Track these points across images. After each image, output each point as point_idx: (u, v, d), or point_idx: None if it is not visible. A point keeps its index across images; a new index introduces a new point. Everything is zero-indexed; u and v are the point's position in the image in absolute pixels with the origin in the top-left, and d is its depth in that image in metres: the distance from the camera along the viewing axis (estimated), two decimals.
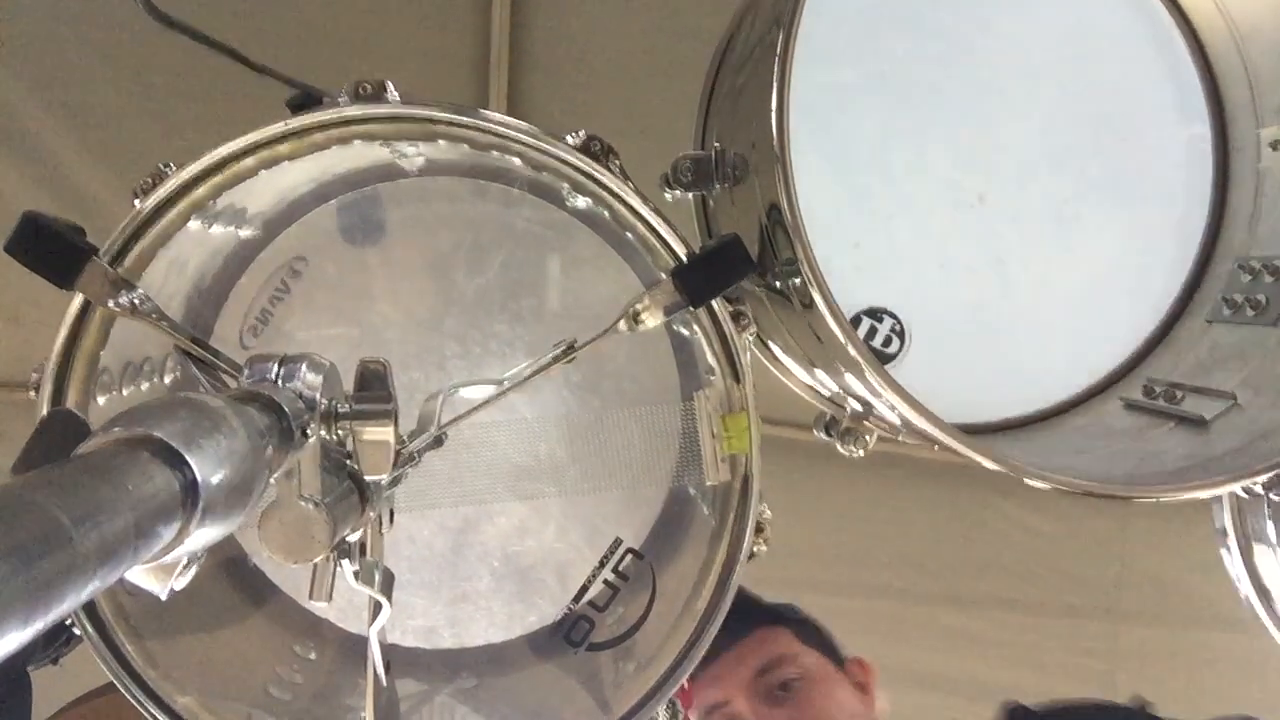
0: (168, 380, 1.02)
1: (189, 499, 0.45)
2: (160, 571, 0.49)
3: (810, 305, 0.89)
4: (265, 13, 1.76)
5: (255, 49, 1.07)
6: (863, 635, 2.13)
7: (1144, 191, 1.16)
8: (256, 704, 0.98)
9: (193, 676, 0.92)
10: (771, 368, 1.12)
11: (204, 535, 0.47)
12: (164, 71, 1.64)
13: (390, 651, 0.91)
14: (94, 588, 0.37)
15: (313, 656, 1.09)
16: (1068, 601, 2.17)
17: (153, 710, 0.89)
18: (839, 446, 1.05)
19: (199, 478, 0.45)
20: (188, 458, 0.45)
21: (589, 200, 0.93)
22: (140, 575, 0.47)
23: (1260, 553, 1.15)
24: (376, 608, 0.81)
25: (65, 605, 0.35)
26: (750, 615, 1.43)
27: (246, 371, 0.63)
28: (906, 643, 2.22)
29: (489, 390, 0.89)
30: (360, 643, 1.11)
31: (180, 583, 0.51)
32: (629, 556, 1.03)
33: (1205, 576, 2.02)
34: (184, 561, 0.49)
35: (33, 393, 0.86)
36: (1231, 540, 1.12)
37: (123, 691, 0.89)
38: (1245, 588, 1.11)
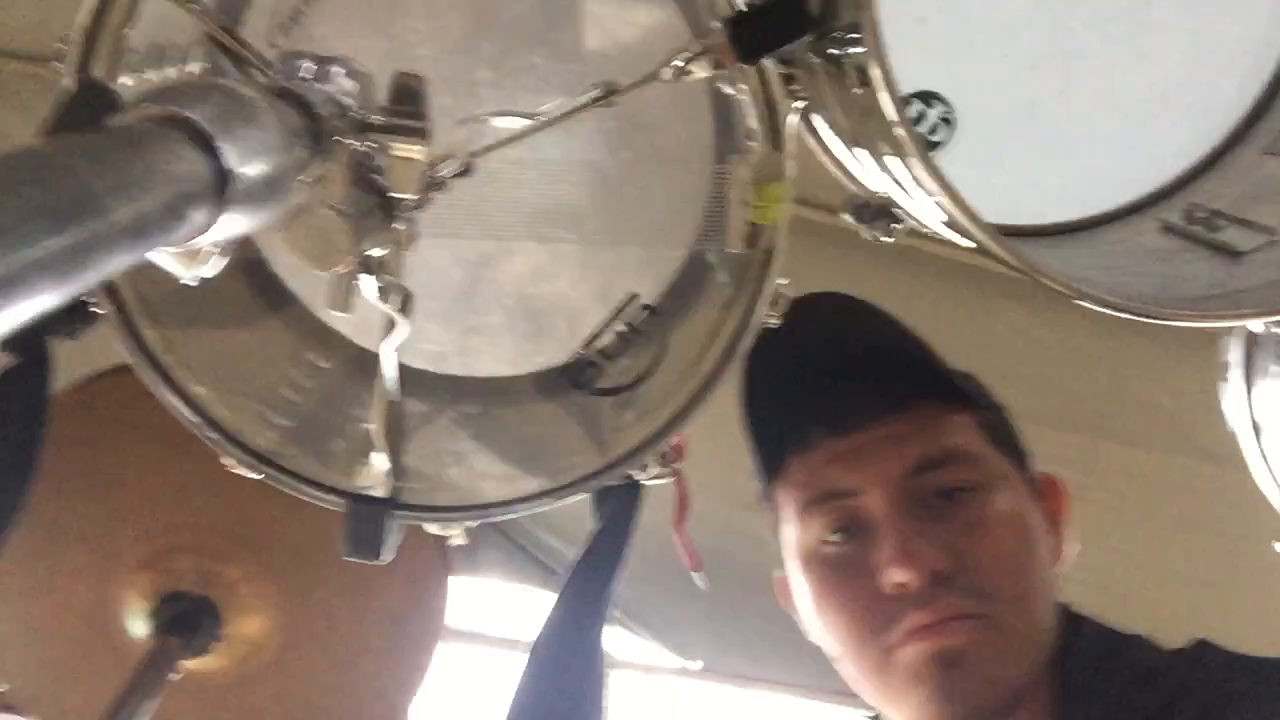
0: (194, 70, 0.99)
1: (219, 185, 0.44)
2: (187, 257, 0.49)
3: (865, 79, 0.85)
4: None
5: None
6: None
7: (1231, 5, 1.09)
8: (268, 403, 1.02)
9: (208, 368, 0.95)
10: (810, 140, 1.08)
11: (232, 224, 0.46)
12: None
13: (400, 371, 0.93)
14: (123, 260, 0.37)
15: (324, 365, 1.12)
16: (1056, 412, 2.22)
17: (168, 395, 0.92)
18: (864, 232, 1.04)
19: (230, 165, 0.45)
20: (220, 144, 0.44)
21: None
22: (168, 259, 0.47)
23: (1261, 389, 1.17)
24: (390, 324, 0.82)
25: (94, 273, 0.35)
26: (920, 381, 1.07)
27: (280, 65, 0.61)
28: None
29: (522, 123, 0.86)
30: (370, 359, 1.14)
31: (208, 270, 0.51)
32: (643, 311, 1.04)
33: (1194, 407, 2.06)
34: (211, 250, 0.49)
35: (56, 63, 0.83)
36: (1235, 373, 1.13)
37: (139, 372, 0.92)
38: (1240, 420, 1.13)
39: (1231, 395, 1.14)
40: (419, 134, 0.65)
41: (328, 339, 1.15)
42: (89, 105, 0.58)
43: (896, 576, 0.96)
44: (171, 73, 0.96)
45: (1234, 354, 1.14)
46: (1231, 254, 0.97)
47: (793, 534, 1.08)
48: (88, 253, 0.35)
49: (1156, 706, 0.95)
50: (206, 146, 0.44)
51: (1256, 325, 0.87)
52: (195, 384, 0.94)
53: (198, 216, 0.43)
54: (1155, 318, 0.86)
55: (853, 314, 1.16)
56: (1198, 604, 2.38)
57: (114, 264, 0.37)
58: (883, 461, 1.02)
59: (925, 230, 1.05)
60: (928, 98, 1.07)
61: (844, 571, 1.02)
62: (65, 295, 0.34)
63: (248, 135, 0.47)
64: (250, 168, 0.46)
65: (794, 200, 0.99)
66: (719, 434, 0.98)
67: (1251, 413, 1.18)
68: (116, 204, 0.36)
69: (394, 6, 1.05)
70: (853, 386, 1.06)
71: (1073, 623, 1.04)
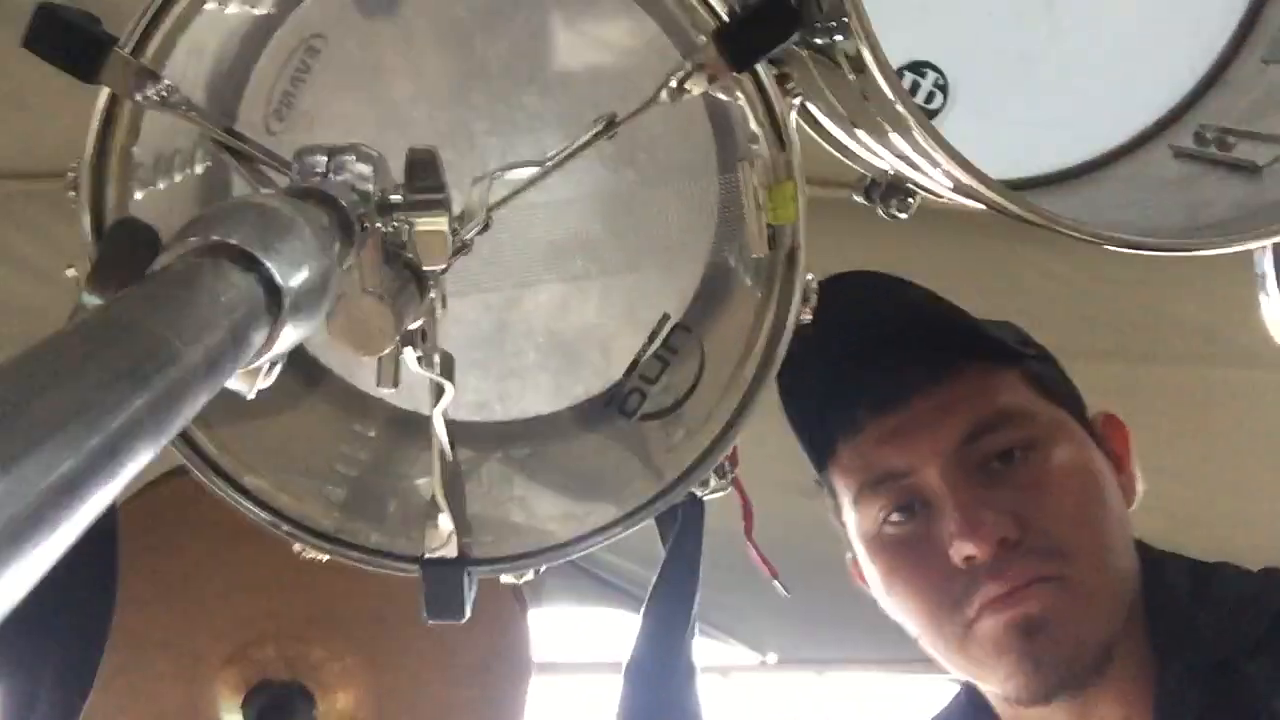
0: (199, 170, 1.01)
1: (273, 303, 0.45)
2: (250, 375, 0.50)
3: (858, 63, 0.85)
4: None
5: None
6: None
7: None
8: (324, 481, 1.03)
9: (263, 460, 0.96)
10: (812, 132, 1.08)
11: (290, 336, 0.47)
12: None
13: (447, 426, 0.94)
14: (203, 399, 0.38)
15: (371, 433, 1.13)
16: (1092, 345, 2.20)
17: (232, 494, 0.93)
18: (880, 210, 1.04)
19: (280, 281, 0.46)
20: (266, 261, 0.45)
21: None
22: (235, 382, 0.48)
23: None
24: (438, 390, 0.83)
25: (181, 420, 0.36)
26: (957, 344, 1.04)
27: (295, 166, 0.62)
28: None
29: (531, 171, 0.87)
30: (411, 417, 1.15)
31: (266, 383, 0.52)
32: (677, 330, 1.04)
33: (1229, 315, 2.04)
34: (270, 363, 0.49)
35: (71, 193, 0.85)
36: (1271, 284, 1.12)
37: (201, 478, 0.93)
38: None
39: (1272, 308, 1.13)
40: (440, 205, 0.65)
41: (368, 406, 1.16)
42: (130, 244, 0.59)
43: (965, 550, 0.95)
44: (179, 178, 0.98)
45: (1268, 264, 1.14)
46: (1250, 170, 0.97)
47: (854, 519, 1.08)
48: (173, 402, 0.35)
49: (1258, 633, 0.94)
50: (253, 267, 0.45)
51: None
52: (254, 478, 0.95)
53: (258, 338, 0.44)
54: (1186, 250, 0.86)
55: (877, 289, 1.15)
56: (1261, 515, 2.36)
57: (197, 405, 0.38)
58: (932, 435, 1.00)
59: (940, 199, 1.05)
60: (919, 68, 1.07)
61: (911, 551, 1.02)
62: (159, 447, 0.35)
63: (288, 246, 0.47)
64: (296, 279, 0.47)
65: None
66: (759, 421, 0.98)
67: None
68: (188, 348, 0.37)
69: (379, 72, 1.06)
70: (889, 362, 1.05)
71: (1154, 563, 1.03)
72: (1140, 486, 1.08)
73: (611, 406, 1.07)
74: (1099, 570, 0.97)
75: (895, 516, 1.03)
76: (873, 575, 1.08)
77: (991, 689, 1.04)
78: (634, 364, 1.05)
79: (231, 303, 0.41)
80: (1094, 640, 0.96)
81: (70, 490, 0.29)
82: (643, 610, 1.04)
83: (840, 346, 1.02)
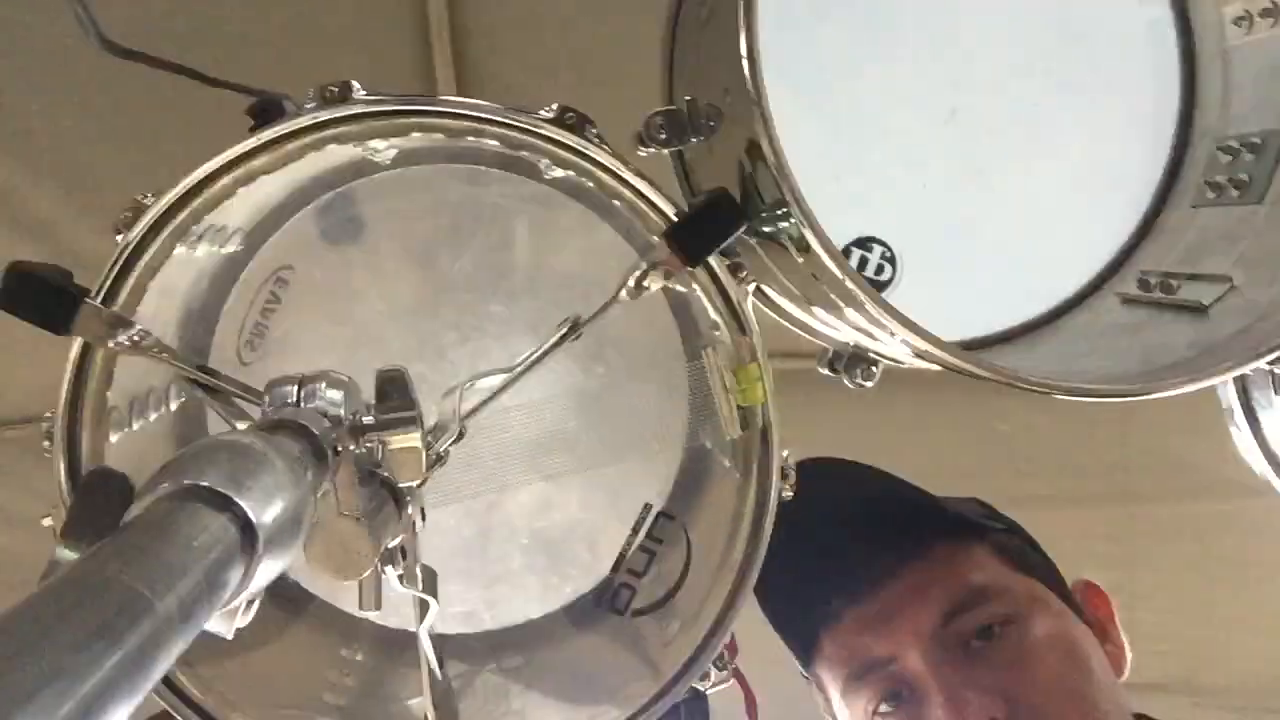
0: (174, 406, 1.02)
1: (248, 541, 0.45)
2: (226, 615, 0.49)
3: (806, 248, 0.89)
4: (192, 21, 1.72)
5: (194, 59, 1.05)
6: None
7: (1111, 83, 1.15)
8: (317, 713, 0.99)
9: (249, 696, 0.93)
10: (769, 312, 1.12)
11: (266, 573, 0.47)
12: (112, 95, 1.61)
13: (435, 642, 0.92)
14: (180, 648, 0.38)
15: (359, 658, 1.10)
16: (1077, 492, 2.21)
17: None
18: (845, 381, 1.06)
19: (253, 518, 0.46)
20: (239, 500, 0.45)
21: (569, 171, 0.93)
22: (212, 622, 0.47)
23: (1267, 421, 1.18)
24: (423, 607, 0.82)
25: (157, 673, 0.36)
26: (926, 524, 1.06)
27: (266, 399, 0.63)
28: None
29: (501, 378, 0.88)
30: (399, 634, 1.12)
31: (245, 620, 0.51)
32: (660, 519, 1.04)
33: (1210, 447, 2.05)
34: (248, 600, 0.49)
35: (46, 442, 0.85)
36: (1239, 417, 1.14)
37: None
38: (1257, 460, 1.14)
39: (1243, 439, 1.15)
40: (411, 422, 0.66)
41: (354, 628, 1.13)
42: (103, 493, 0.59)
43: None
44: (153, 417, 0.99)
45: (1231, 398, 1.16)
46: (1197, 310, 1.00)
47: (844, 713, 1.06)
48: (148, 657, 0.35)
49: None
50: (226, 507, 0.45)
51: (1245, 371, 0.88)
52: (242, 716, 0.91)
53: (234, 578, 0.43)
54: (1148, 394, 0.88)
55: (840, 476, 1.16)
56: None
57: (173, 655, 0.37)
58: (911, 618, 1.00)
59: (902, 366, 1.07)
60: (865, 243, 1.12)
61: None
62: (136, 703, 0.34)
63: (260, 483, 0.48)
64: (270, 513, 0.47)
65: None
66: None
67: (1270, 447, 1.18)
68: (162, 598, 0.37)
69: (348, 296, 1.09)
70: (861, 548, 1.06)
71: None
72: (1129, 654, 1.06)
73: (602, 605, 1.05)
74: None
75: (884, 707, 1.01)
76: None
77: None
78: (621, 558, 1.04)
79: (205, 545, 0.41)
80: None
81: None
82: None
83: (810, 536, 1.01)
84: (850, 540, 1.05)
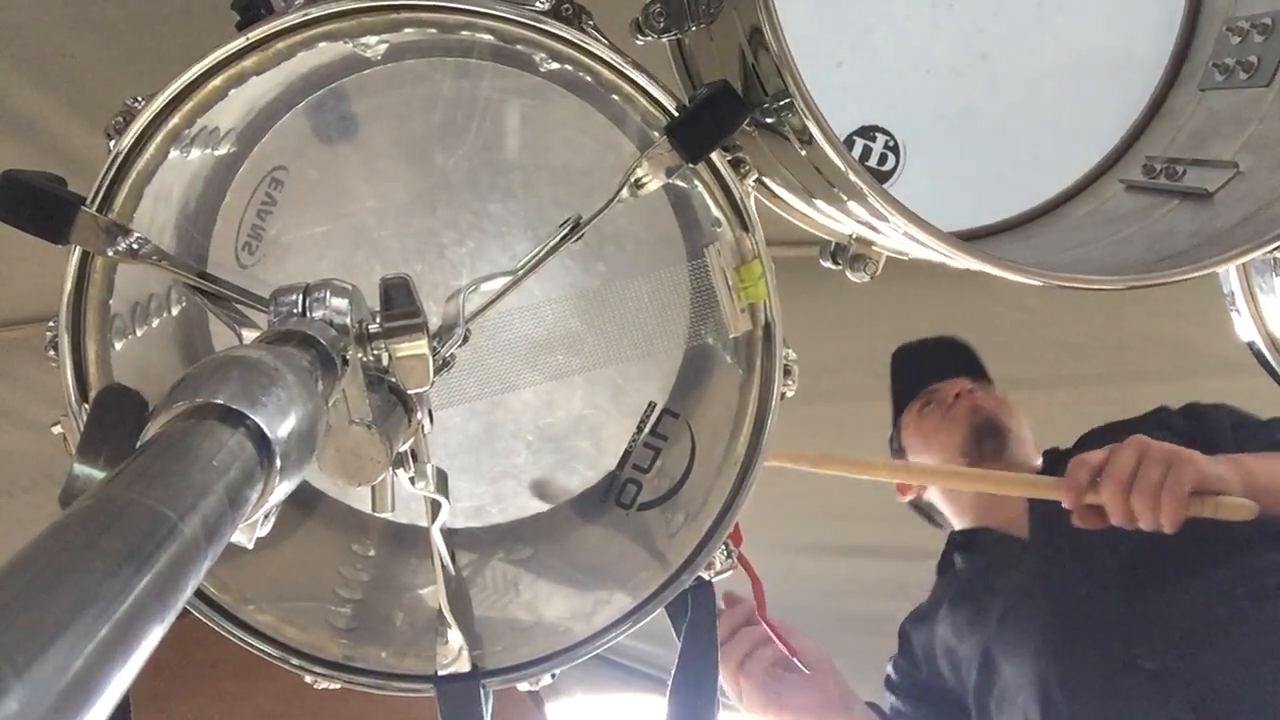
0: (175, 312, 1.02)
1: (265, 456, 0.45)
2: (247, 527, 0.50)
3: (808, 140, 0.87)
4: None
5: None
6: (878, 434, 2.19)
7: None
8: (329, 608, 1.02)
9: (266, 594, 0.95)
10: (771, 205, 1.11)
11: (285, 485, 0.48)
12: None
13: (445, 536, 0.94)
14: (207, 565, 0.38)
15: (371, 553, 1.12)
16: (1073, 371, 2.22)
17: (236, 632, 0.92)
18: (848, 273, 1.05)
19: (269, 433, 0.46)
20: (253, 416, 0.46)
21: (565, 65, 0.91)
22: (236, 537, 0.48)
23: (1267, 305, 1.18)
24: (434, 507, 0.83)
25: (188, 591, 0.36)
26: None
27: (272, 308, 0.63)
28: None
29: (503, 280, 0.88)
30: (409, 529, 1.15)
31: (264, 531, 0.52)
32: (664, 416, 1.05)
33: (1206, 329, 2.07)
34: (269, 512, 0.50)
35: (50, 352, 0.85)
36: (1241, 301, 1.14)
37: (203, 618, 0.92)
38: (1259, 343, 1.14)
39: (1243, 322, 1.15)
40: (418, 329, 0.66)
41: (365, 525, 1.16)
42: (116, 410, 0.59)
43: None
44: (155, 323, 0.99)
45: (1234, 282, 1.16)
46: (1202, 196, 0.99)
47: None
48: (176, 574, 0.36)
49: None
50: (241, 423, 0.45)
51: (1249, 259, 0.88)
52: (258, 614, 0.94)
53: (255, 494, 0.44)
54: (1150, 283, 0.87)
55: None
56: None
57: (201, 574, 0.38)
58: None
59: (905, 256, 1.07)
60: (869, 132, 1.10)
61: None
62: (169, 624, 0.35)
63: (273, 397, 0.48)
64: (285, 427, 0.48)
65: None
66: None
67: (1268, 330, 1.19)
68: (186, 519, 0.37)
69: (344, 195, 1.08)
70: None
71: None
72: None
73: (609, 499, 1.07)
74: None
75: None
76: None
77: None
78: (626, 455, 1.05)
79: (224, 464, 0.42)
80: None
81: (86, 686, 0.29)
82: (666, 710, 1.03)
83: None
84: None
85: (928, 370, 1.96)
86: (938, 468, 1.79)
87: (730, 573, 0.98)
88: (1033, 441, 1.83)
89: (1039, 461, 1.81)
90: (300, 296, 0.63)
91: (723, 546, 0.96)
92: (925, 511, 1.92)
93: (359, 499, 1.13)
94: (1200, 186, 0.99)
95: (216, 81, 0.83)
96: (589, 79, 0.90)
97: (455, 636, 0.92)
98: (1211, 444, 1.51)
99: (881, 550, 2.37)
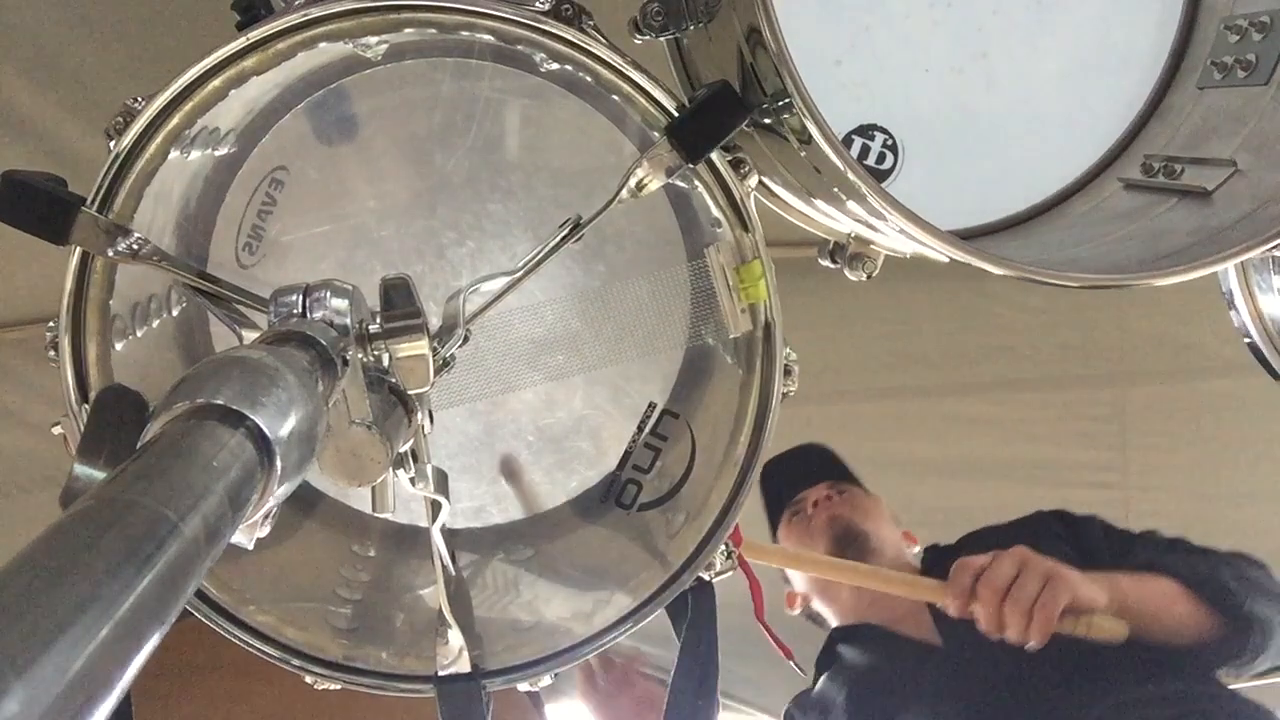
0: (175, 312, 1.02)
1: (265, 457, 0.45)
2: (249, 529, 0.50)
3: (807, 139, 0.87)
4: None
5: None
6: (878, 434, 2.19)
7: None
8: (330, 608, 1.02)
9: (266, 594, 0.96)
10: (770, 204, 1.11)
11: (285, 487, 0.48)
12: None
13: (446, 537, 0.94)
14: (207, 566, 0.39)
15: (371, 553, 1.12)
16: (1073, 372, 2.22)
17: (237, 633, 0.92)
18: (847, 272, 1.05)
19: (269, 434, 0.46)
20: (253, 417, 0.46)
21: (565, 65, 0.91)
22: (236, 538, 0.48)
23: (1266, 304, 1.18)
24: (435, 507, 0.83)
25: (188, 592, 0.36)
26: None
27: (272, 309, 0.63)
28: (919, 436, 2.29)
29: (503, 281, 0.88)
30: (409, 529, 1.15)
31: (264, 531, 0.52)
32: (664, 416, 1.05)
33: (1206, 329, 2.06)
34: (269, 512, 0.50)
35: (51, 352, 0.85)
36: (1240, 301, 1.14)
37: (204, 619, 0.92)
38: (1258, 341, 1.14)
39: (1242, 320, 1.15)
40: (418, 330, 0.66)
41: (365, 525, 1.16)
42: (116, 411, 0.59)
43: None
44: (155, 324, 0.99)
45: (1233, 281, 1.16)
46: (1200, 195, 0.99)
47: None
48: (176, 575, 0.36)
49: None
50: (241, 424, 0.46)
51: (1248, 258, 0.88)
52: (259, 614, 0.94)
53: (254, 495, 0.44)
54: (1149, 282, 0.88)
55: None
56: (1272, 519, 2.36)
57: (201, 572, 0.38)
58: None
59: (902, 255, 1.07)
60: (867, 131, 1.10)
61: None
62: (169, 624, 0.35)
63: (273, 397, 0.48)
64: (284, 428, 0.48)
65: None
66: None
67: (1268, 328, 1.19)
68: (186, 519, 0.37)
69: (344, 195, 1.08)
70: None
71: None
72: None
73: (609, 499, 1.07)
74: None
75: None
76: None
77: None
78: (626, 455, 1.06)
79: (224, 465, 0.42)
80: None
81: (87, 686, 0.29)
82: (666, 710, 1.03)
83: None
84: None
85: (793, 479, 1.99)
86: (856, 565, 1.78)
87: (730, 574, 0.98)
88: (898, 535, 1.88)
89: (916, 550, 1.87)
90: (300, 297, 0.63)
91: (723, 547, 0.96)
92: (816, 620, 1.94)
93: (359, 499, 1.13)
94: (1199, 185, 0.99)
95: (217, 82, 0.83)
96: (589, 79, 0.90)
97: (455, 637, 0.92)
98: (1087, 551, 1.57)
99: None
